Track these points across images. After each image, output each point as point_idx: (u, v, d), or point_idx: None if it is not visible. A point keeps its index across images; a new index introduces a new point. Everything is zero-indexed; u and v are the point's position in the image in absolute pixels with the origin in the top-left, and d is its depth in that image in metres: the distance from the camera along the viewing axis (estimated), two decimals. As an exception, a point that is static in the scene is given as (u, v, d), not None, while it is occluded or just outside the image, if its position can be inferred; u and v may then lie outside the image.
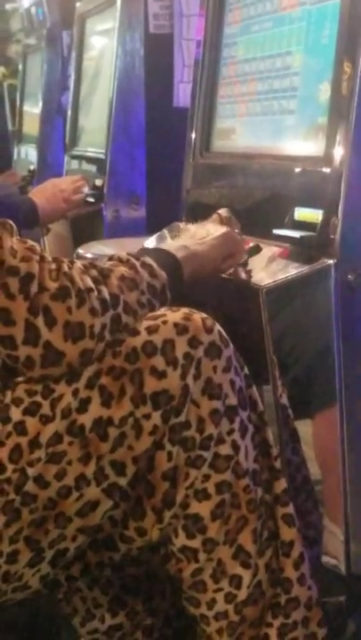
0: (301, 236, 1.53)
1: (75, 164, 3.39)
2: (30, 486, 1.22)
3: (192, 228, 1.59)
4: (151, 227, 2.69)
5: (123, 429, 1.24)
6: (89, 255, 2.38)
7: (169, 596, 1.55)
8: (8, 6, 4.62)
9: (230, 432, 1.31)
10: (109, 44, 2.97)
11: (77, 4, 3.35)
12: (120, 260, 1.33)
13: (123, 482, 1.26)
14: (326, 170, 1.51)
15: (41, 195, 2.67)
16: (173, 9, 2.77)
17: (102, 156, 2.93)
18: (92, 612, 1.53)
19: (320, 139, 1.56)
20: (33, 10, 4.07)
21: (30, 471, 1.22)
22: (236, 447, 1.31)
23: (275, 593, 1.37)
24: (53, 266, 1.23)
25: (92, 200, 2.86)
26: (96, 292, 1.23)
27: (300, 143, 1.67)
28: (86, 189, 2.76)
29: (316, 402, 1.61)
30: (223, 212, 1.65)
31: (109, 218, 2.86)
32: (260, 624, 1.37)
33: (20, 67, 4.60)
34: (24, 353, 1.20)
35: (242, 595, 1.34)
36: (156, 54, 2.82)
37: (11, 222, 1.24)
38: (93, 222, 2.94)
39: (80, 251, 2.47)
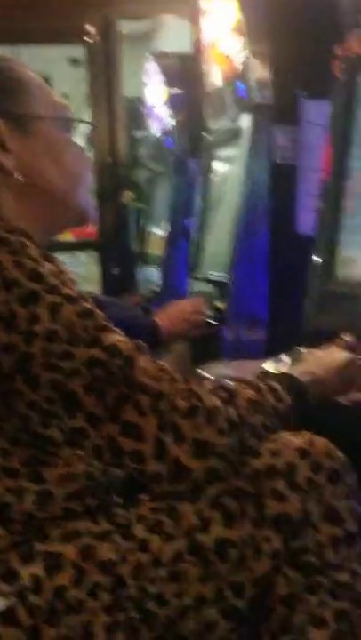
0: None
1: (197, 286, 3.47)
2: (151, 604, 1.24)
3: (316, 352, 1.61)
4: (270, 350, 2.72)
5: (243, 551, 1.25)
6: (209, 376, 2.42)
7: None
8: (137, 134, 4.85)
9: (349, 559, 1.30)
10: (235, 172, 3.08)
11: (205, 135, 3.50)
12: (247, 383, 1.37)
13: (241, 604, 1.26)
14: None
15: (164, 315, 2.77)
16: (299, 141, 2.85)
17: (225, 280, 3.00)
18: None
19: None
20: (162, 138, 4.27)
21: (151, 589, 1.24)
22: (355, 575, 1.30)
23: None
24: (183, 386, 1.27)
25: (213, 322, 2.92)
26: (224, 413, 1.27)
27: None
28: (207, 311, 2.84)
29: None
30: (347, 337, 1.67)
31: (229, 340, 2.91)
32: None
33: (147, 191, 4.79)
34: (152, 468, 1.23)
35: None
36: (281, 183, 2.89)
37: (143, 344, 1.29)
38: (212, 343, 2.99)
39: (200, 371, 2.51)
